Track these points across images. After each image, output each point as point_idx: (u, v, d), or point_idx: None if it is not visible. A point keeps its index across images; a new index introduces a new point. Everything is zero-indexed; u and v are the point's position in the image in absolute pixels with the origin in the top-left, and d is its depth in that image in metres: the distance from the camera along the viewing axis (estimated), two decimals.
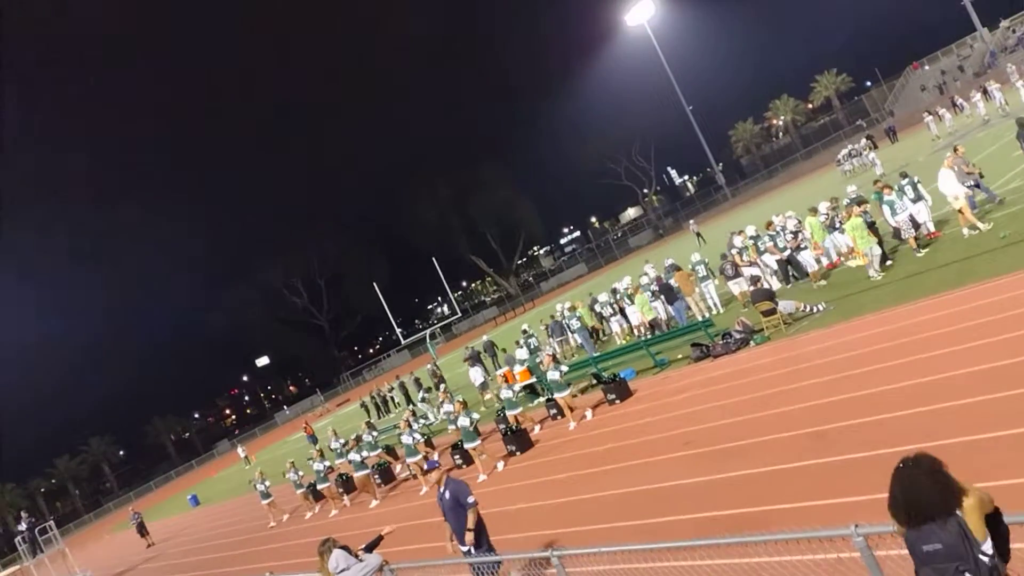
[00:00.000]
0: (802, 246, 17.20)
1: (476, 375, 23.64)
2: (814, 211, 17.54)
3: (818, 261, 16.95)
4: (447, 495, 7.89)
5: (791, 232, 17.58)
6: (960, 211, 14.71)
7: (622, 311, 20.79)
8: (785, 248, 17.38)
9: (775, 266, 17.99)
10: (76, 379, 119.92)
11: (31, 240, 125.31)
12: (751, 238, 18.23)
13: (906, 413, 7.94)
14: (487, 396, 22.57)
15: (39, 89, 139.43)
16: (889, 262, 15.21)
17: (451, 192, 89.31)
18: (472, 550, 7.73)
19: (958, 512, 3.11)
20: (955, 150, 16.57)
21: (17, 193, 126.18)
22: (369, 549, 7.82)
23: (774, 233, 17.64)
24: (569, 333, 22.96)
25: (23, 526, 28.60)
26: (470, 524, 7.71)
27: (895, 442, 7.15)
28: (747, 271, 17.34)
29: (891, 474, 3.31)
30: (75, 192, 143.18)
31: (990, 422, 6.84)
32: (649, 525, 8.44)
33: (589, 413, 14.85)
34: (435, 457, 17.31)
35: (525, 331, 23.01)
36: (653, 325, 18.87)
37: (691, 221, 51.09)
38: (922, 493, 3.17)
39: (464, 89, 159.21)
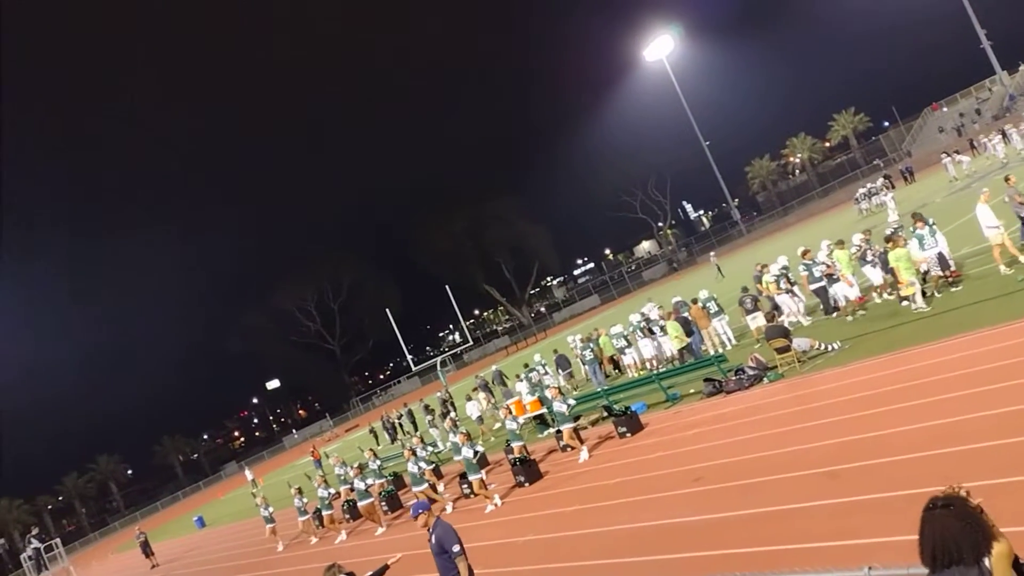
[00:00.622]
0: (834, 277, 16.97)
1: (472, 408, 23.54)
2: (841, 244, 17.40)
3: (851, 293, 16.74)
4: (433, 539, 7.33)
5: (822, 263, 17.32)
6: (997, 246, 14.47)
7: (630, 344, 20.74)
8: (820, 278, 17.12)
9: (803, 299, 17.83)
10: (85, 397, 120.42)
11: (40, 256, 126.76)
12: (783, 268, 18.09)
13: (921, 455, 7.84)
14: (496, 426, 22.46)
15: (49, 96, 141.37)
16: (911, 304, 15.05)
17: (467, 222, 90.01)
18: None
19: (985, 560, 3.01)
20: (1007, 180, 16.22)
21: (24, 208, 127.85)
22: None
23: (809, 262, 17.14)
24: (583, 365, 22.93)
25: (34, 543, 28.54)
26: (463, 574, 7.16)
27: (909, 484, 7.06)
28: (780, 299, 17.20)
29: (921, 513, 3.21)
30: (84, 208, 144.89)
31: (1005, 467, 6.75)
32: (657, 562, 8.33)
33: (585, 453, 14.47)
34: (441, 487, 17.22)
35: (527, 365, 22.93)
36: (685, 353, 18.73)
37: (711, 253, 51.23)
38: (951, 539, 3.06)
39: (482, 120, 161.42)
